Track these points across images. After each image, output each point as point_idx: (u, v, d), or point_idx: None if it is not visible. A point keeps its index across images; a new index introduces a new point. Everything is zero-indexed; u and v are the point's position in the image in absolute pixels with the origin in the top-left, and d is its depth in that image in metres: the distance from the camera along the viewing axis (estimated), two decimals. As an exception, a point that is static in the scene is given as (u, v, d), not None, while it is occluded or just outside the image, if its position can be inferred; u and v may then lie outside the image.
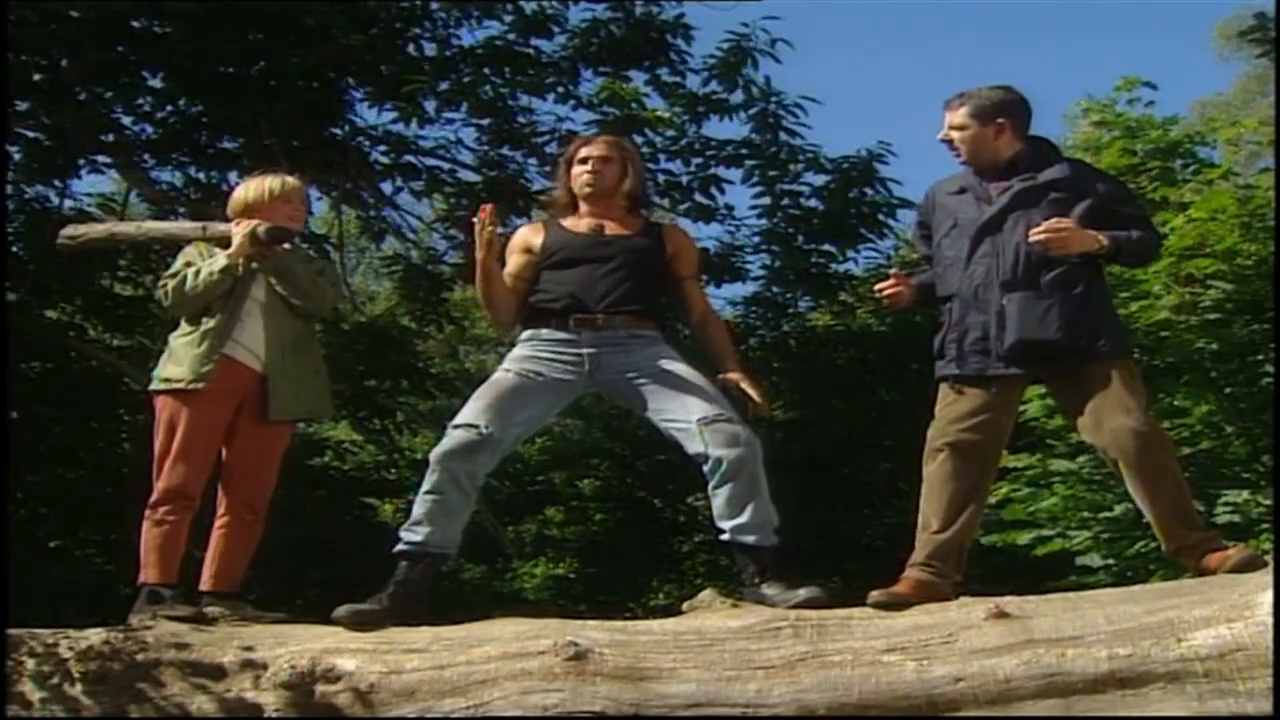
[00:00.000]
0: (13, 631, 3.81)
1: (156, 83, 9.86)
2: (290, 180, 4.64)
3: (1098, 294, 4.05)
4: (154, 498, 4.29)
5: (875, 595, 3.74)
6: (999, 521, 6.84)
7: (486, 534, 11.09)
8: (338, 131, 10.69)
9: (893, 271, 4.52)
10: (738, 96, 10.27)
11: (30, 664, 3.69)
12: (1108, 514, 6.45)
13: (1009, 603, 3.50)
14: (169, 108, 10.07)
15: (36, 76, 9.22)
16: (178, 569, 4.27)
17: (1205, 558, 3.79)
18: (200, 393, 4.30)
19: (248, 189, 4.62)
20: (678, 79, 10.46)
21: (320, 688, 3.57)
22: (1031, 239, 3.95)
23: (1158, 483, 3.90)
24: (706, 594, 3.81)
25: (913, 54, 44.03)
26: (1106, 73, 34.54)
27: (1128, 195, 4.29)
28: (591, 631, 3.61)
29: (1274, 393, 6.06)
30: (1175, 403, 6.63)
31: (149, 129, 10.28)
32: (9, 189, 10.27)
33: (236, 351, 4.39)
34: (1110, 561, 6.54)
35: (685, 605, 3.81)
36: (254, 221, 4.45)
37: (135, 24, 9.44)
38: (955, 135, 4.18)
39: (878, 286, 4.46)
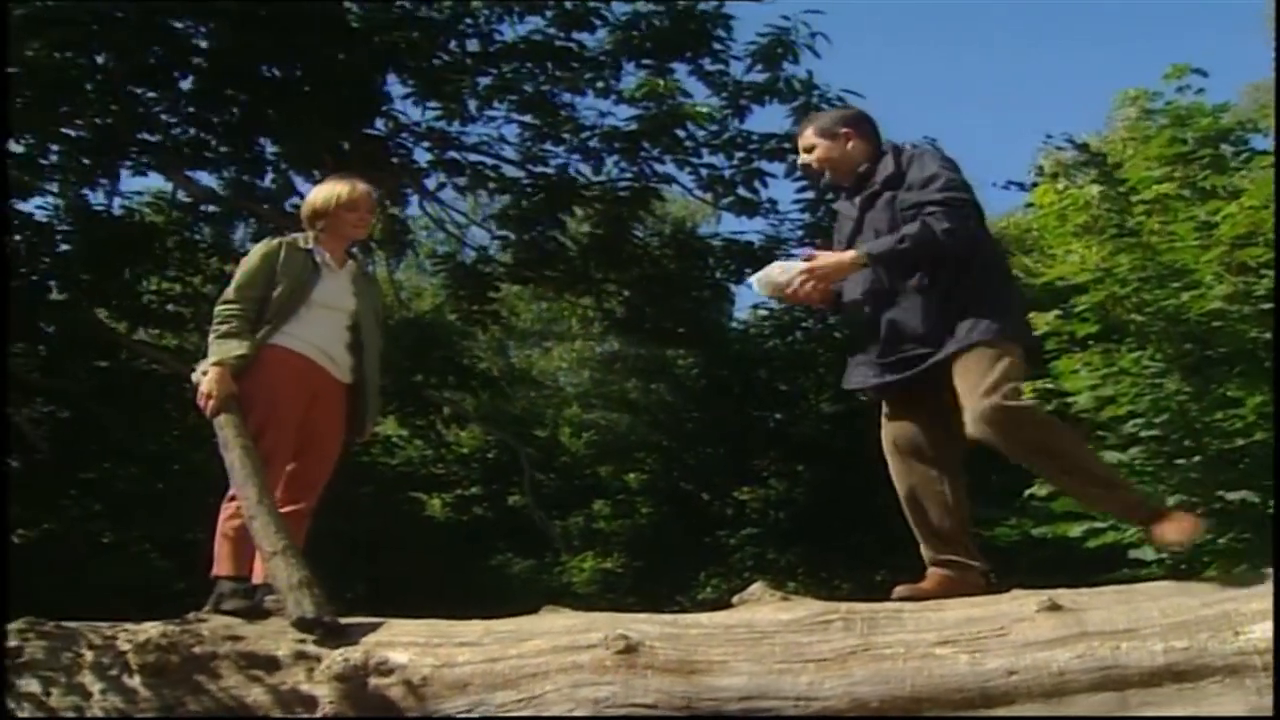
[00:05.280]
0: (72, 625, 3.87)
1: (199, 83, 9.95)
2: (360, 186, 4.63)
3: (964, 288, 3.93)
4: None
5: (900, 590, 3.80)
6: (1050, 514, 6.77)
7: (535, 528, 11.13)
8: (381, 129, 10.75)
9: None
10: (781, 78, 10.25)
11: (89, 656, 3.73)
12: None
13: (1061, 595, 3.46)
14: (210, 108, 10.16)
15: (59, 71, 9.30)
16: (250, 565, 4.28)
17: (1155, 525, 3.76)
18: None
19: (317, 194, 4.65)
20: (721, 66, 10.45)
21: (373, 680, 3.60)
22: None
23: (1045, 456, 3.88)
24: (757, 587, 3.80)
25: (959, 50, 43.72)
26: (1158, 61, 34.17)
27: (921, 181, 4.01)
28: (642, 625, 3.61)
29: (1274, 391, 5.97)
30: (1229, 393, 6.53)
31: (191, 130, 10.38)
32: (57, 189, 10.40)
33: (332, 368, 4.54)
34: (1164, 555, 6.45)
35: (735, 598, 3.80)
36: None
37: (178, 24, 9.52)
38: (808, 157, 4.28)
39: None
